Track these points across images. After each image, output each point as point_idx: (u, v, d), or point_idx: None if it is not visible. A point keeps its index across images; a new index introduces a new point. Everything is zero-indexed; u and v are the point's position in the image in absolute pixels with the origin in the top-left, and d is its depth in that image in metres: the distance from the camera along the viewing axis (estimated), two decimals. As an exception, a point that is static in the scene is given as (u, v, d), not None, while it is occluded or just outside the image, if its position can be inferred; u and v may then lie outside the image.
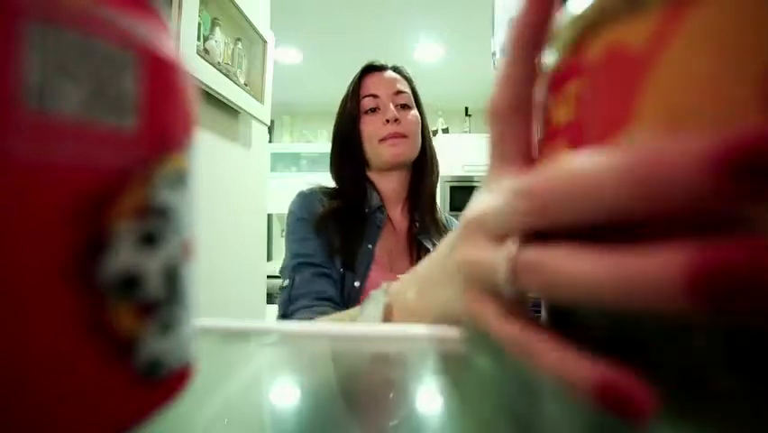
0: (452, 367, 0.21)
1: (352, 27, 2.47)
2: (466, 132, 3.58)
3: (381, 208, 0.80)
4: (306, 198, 0.79)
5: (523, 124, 0.16)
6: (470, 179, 3.17)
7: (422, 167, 0.83)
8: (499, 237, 0.14)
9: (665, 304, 0.09)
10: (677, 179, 0.09)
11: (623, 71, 0.12)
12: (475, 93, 3.37)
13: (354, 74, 0.83)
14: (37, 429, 0.09)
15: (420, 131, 0.81)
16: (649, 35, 0.12)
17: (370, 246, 0.75)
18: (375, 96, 0.79)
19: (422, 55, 2.81)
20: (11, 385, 0.08)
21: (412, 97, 0.82)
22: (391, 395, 0.18)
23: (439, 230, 0.82)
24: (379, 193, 0.81)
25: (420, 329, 0.24)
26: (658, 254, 0.09)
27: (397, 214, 0.82)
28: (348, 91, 0.83)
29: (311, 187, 0.82)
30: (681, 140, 0.09)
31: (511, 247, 0.13)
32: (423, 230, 0.81)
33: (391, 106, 0.77)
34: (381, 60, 0.84)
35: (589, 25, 0.14)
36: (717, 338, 0.11)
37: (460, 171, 3.19)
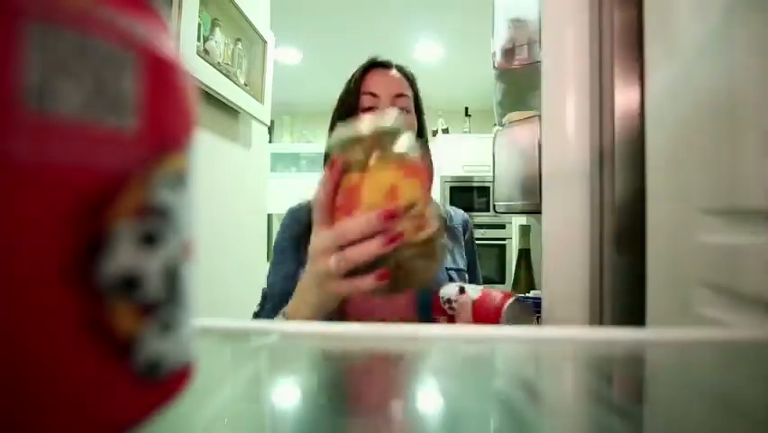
0: (453, 367, 0.21)
1: (351, 27, 2.47)
2: (466, 132, 3.57)
3: None
4: (293, 215, 0.79)
5: (333, 209, 0.41)
6: (469, 179, 3.17)
7: None
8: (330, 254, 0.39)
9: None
10: (378, 223, 0.36)
11: (352, 190, 0.38)
12: (475, 93, 3.37)
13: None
14: (37, 429, 0.09)
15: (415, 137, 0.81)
16: (358, 175, 0.38)
17: None
18: (375, 95, 0.78)
19: (422, 55, 2.81)
20: (11, 385, 0.08)
21: (412, 102, 0.80)
22: (391, 395, 0.18)
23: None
24: None
25: (420, 329, 0.24)
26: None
27: None
28: (349, 84, 0.82)
29: (300, 202, 0.82)
30: (375, 215, 0.36)
31: (337, 256, 0.38)
32: None
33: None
34: (385, 57, 0.83)
35: (345, 165, 0.39)
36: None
37: (460, 171, 3.19)
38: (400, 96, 0.79)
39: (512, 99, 0.87)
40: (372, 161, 0.38)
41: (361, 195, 0.37)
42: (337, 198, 0.39)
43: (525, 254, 0.98)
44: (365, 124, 0.40)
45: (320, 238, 0.40)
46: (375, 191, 0.37)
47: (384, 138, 0.39)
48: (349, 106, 0.79)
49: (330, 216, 0.41)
